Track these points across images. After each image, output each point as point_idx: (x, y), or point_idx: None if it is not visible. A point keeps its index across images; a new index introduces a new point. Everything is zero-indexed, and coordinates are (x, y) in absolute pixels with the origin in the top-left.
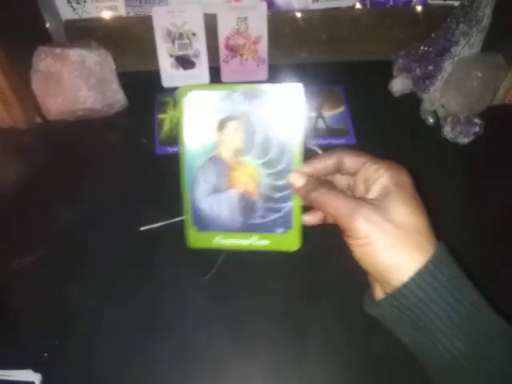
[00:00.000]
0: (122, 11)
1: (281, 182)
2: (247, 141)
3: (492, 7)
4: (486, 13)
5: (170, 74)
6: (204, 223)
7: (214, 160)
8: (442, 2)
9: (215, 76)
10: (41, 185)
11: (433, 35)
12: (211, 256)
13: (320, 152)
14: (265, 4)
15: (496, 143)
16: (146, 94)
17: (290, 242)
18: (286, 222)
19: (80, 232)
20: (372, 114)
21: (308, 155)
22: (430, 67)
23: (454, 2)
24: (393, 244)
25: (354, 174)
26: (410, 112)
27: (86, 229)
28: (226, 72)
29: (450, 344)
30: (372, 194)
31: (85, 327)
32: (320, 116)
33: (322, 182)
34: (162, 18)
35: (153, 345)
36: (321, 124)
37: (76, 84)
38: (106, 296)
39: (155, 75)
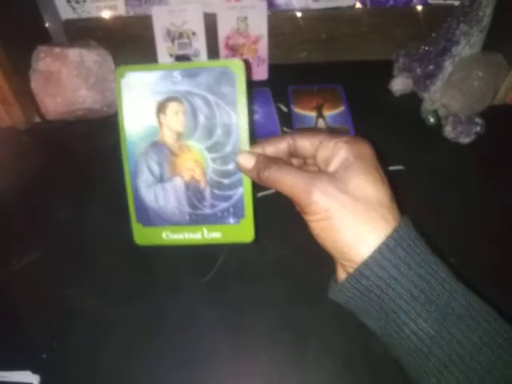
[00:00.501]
0: (121, 11)
1: (229, 167)
2: (189, 123)
3: (492, 7)
4: (486, 12)
5: None
6: (149, 217)
7: (157, 145)
8: (442, 2)
9: None
10: (40, 184)
11: (433, 35)
12: (211, 256)
13: None
14: (265, 3)
15: (497, 143)
16: None
17: (243, 232)
18: (237, 211)
19: (80, 232)
20: (372, 114)
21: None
22: (431, 67)
23: (454, 2)
24: (352, 217)
25: (311, 157)
26: (410, 112)
27: (86, 229)
28: None
29: (416, 326)
30: (331, 168)
31: (84, 328)
32: (320, 115)
33: (273, 159)
34: (161, 17)
35: (153, 345)
36: (321, 123)
37: (75, 83)
38: (106, 296)
39: None
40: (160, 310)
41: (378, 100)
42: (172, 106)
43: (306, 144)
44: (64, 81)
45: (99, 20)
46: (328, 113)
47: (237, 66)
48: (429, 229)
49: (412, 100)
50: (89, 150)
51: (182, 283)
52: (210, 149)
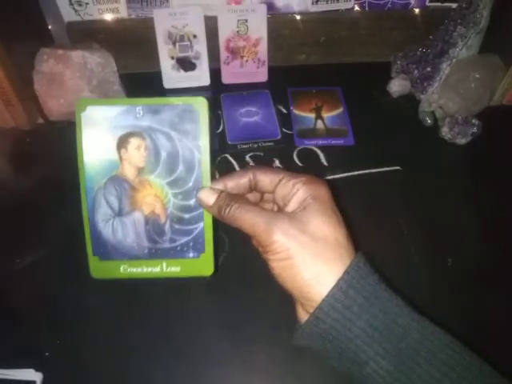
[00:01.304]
0: (123, 13)
1: (190, 202)
2: (151, 159)
3: (490, 9)
4: (483, 14)
5: (171, 76)
6: (106, 251)
7: (116, 179)
8: (439, 5)
9: (216, 78)
10: (42, 185)
11: (431, 37)
12: None
13: (319, 152)
14: (265, 6)
15: (494, 144)
16: (148, 95)
17: (202, 266)
18: (197, 245)
19: (81, 232)
20: (370, 115)
21: (305, 155)
22: (428, 69)
23: (451, 4)
24: (312, 257)
25: (270, 193)
26: (408, 113)
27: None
28: (226, 74)
29: (376, 364)
30: (290, 208)
31: (86, 327)
32: (319, 117)
33: (235, 196)
34: (163, 20)
35: (153, 345)
36: (320, 125)
37: (78, 85)
38: (107, 295)
39: (156, 77)
40: (161, 309)
41: (376, 101)
42: (133, 141)
43: (265, 181)
44: (67, 82)
45: (101, 22)
46: (327, 114)
47: (200, 104)
48: (427, 229)
49: (409, 101)
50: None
51: (182, 283)
52: (172, 184)
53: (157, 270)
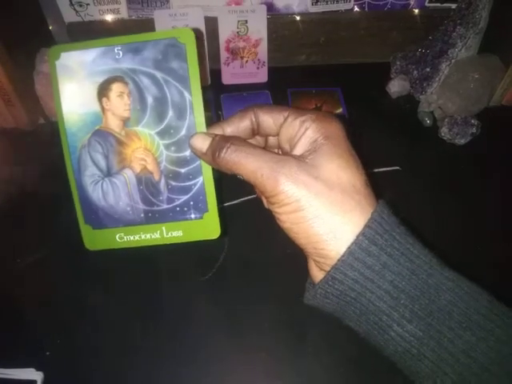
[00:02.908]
0: (124, 14)
1: (185, 153)
2: (136, 106)
3: (489, 9)
4: (482, 15)
5: None
6: (99, 219)
7: (100, 134)
8: (439, 5)
9: (216, 78)
10: (43, 185)
11: (430, 37)
12: (211, 254)
13: None
14: (264, 7)
15: (493, 144)
16: None
17: (207, 228)
18: (198, 204)
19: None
20: (370, 116)
21: None
22: (428, 69)
23: (451, 5)
24: (327, 208)
25: (275, 135)
26: (407, 113)
27: None
28: (226, 74)
29: (401, 328)
30: (298, 151)
31: (87, 326)
32: None
33: (231, 137)
34: (163, 20)
35: (154, 344)
36: None
37: None
38: (108, 295)
39: None
40: (161, 309)
41: (376, 102)
42: (115, 88)
43: (269, 121)
44: None
45: (102, 23)
46: None
47: (186, 36)
48: (425, 229)
49: (409, 102)
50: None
51: (182, 282)
52: (162, 134)
53: (156, 235)
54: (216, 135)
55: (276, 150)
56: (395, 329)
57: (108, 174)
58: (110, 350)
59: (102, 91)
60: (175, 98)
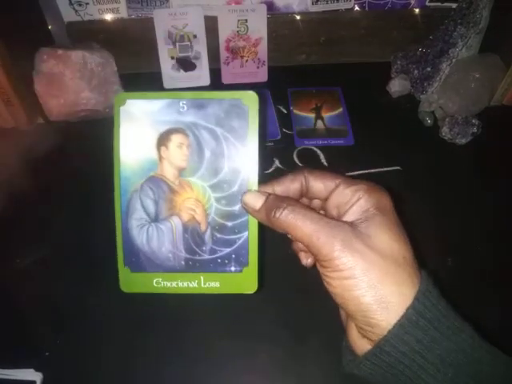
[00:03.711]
0: (123, 13)
1: (234, 208)
2: (193, 158)
3: (489, 9)
4: (483, 14)
5: (171, 76)
6: (139, 262)
7: (154, 181)
8: (439, 5)
9: (216, 78)
10: (42, 185)
11: (431, 37)
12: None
13: (319, 152)
14: (265, 6)
15: (494, 143)
16: None
17: (245, 282)
18: (240, 258)
19: (81, 232)
20: (370, 115)
21: (305, 155)
22: (428, 69)
23: (451, 4)
24: (380, 278)
25: (323, 199)
26: (408, 113)
27: (87, 229)
28: (226, 74)
29: None
30: (349, 218)
31: (86, 326)
32: (319, 117)
33: (286, 198)
34: (163, 20)
35: (154, 344)
36: (320, 124)
37: (78, 85)
38: (108, 294)
39: (156, 77)
40: (161, 308)
41: (376, 101)
42: (175, 138)
43: (319, 186)
44: (67, 82)
45: (101, 22)
46: (327, 114)
47: (250, 99)
48: (427, 229)
49: (409, 101)
50: (91, 151)
51: None
52: (215, 187)
53: (194, 284)
54: (269, 194)
55: (321, 212)
56: None
57: (155, 219)
58: (109, 350)
59: (162, 140)
60: (232, 155)
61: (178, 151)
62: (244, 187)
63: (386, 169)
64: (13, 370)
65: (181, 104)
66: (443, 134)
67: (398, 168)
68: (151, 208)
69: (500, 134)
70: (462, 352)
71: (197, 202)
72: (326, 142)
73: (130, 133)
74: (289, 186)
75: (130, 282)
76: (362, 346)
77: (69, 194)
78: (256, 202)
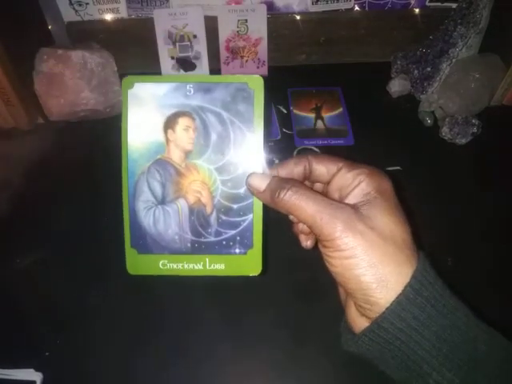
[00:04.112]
0: (123, 13)
1: (240, 190)
2: (200, 141)
3: (489, 9)
4: (483, 14)
5: None
6: (145, 243)
7: (161, 163)
8: (439, 4)
9: None
10: (42, 185)
11: (431, 37)
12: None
13: (318, 152)
14: (265, 6)
15: (494, 144)
16: None
17: (249, 264)
18: (244, 240)
19: (81, 232)
20: (370, 115)
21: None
22: (428, 69)
23: (451, 4)
24: (380, 258)
25: (325, 183)
26: (408, 113)
27: (87, 229)
28: (226, 74)
29: (440, 376)
30: (351, 200)
31: (86, 326)
32: (319, 117)
33: (291, 180)
34: (163, 20)
35: (154, 344)
36: (320, 125)
37: (78, 85)
38: (108, 295)
39: None
40: (161, 308)
41: (376, 101)
42: (182, 121)
43: (322, 170)
44: (67, 82)
45: (101, 22)
46: (327, 114)
47: (256, 83)
48: (427, 229)
49: (409, 101)
50: (91, 151)
51: (182, 280)
52: (221, 170)
53: (199, 266)
54: (274, 176)
55: None
56: (434, 377)
57: (162, 201)
58: (109, 350)
59: (169, 123)
60: (238, 138)
61: (184, 134)
62: (249, 170)
63: (386, 169)
64: (13, 370)
65: (188, 87)
66: (443, 133)
67: (398, 168)
68: (158, 190)
69: (500, 134)
70: (456, 329)
71: (203, 184)
72: (326, 142)
73: (137, 115)
74: (292, 169)
75: (137, 264)
76: (360, 324)
77: (69, 194)
78: (261, 183)
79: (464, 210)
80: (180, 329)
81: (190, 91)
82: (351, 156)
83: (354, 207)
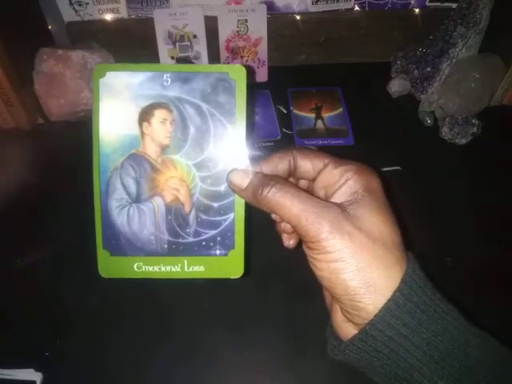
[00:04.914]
0: (123, 13)
1: (220, 188)
2: (177, 135)
3: (489, 9)
4: (483, 14)
5: None
6: (119, 245)
7: (135, 158)
8: (439, 4)
9: None
10: (42, 185)
11: (431, 37)
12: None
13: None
14: (265, 6)
15: (493, 144)
16: None
17: (230, 266)
18: (225, 241)
19: (81, 232)
20: (370, 115)
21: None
22: (428, 69)
23: (451, 4)
24: (369, 261)
25: (311, 180)
26: (408, 113)
27: (86, 229)
28: None
29: None
30: (337, 199)
31: (86, 326)
32: (319, 117)
33: (274, 177)
34: (163, 20)
35: (154, 344)
36: (320, 125)
37: (78, 85)
38: (108, 294)
39: None
40: (161, 307)
41: (376, 101)
42: (158, 114)
43: (307, 166)
44: (67, 82)
45: (101, 22)
46: (327, 114)
47: (237, 73)
48: (426, 229)
49: (409, 101)
50: (91, 151)
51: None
52: (200, 166)
53: (177, 269)
54: (257, 172)
55: None
56: None
57: (137, 199)
58: (109, 350)
59: (144, 115)
60: (218, 132)
61: (161, 127)
62: (230, 166)
63: (386, 169)
64: (13, 369)
65: (164, 77)
66: (443, 134)
67: (398, 168)
68: (132, 187)
69: (500, 134)
70: (448, 335)
71: (181, 181)
72: (326, 142)
73: (109, 107)
74: (276, 164)
75: (109, 266)
76: (346, 330)
77: (69, 194)
78: (242, 180)
79: (464, 210)
80: (182, 328)
81: (167, 81)
82: (351, 156)
83: (341, 206)
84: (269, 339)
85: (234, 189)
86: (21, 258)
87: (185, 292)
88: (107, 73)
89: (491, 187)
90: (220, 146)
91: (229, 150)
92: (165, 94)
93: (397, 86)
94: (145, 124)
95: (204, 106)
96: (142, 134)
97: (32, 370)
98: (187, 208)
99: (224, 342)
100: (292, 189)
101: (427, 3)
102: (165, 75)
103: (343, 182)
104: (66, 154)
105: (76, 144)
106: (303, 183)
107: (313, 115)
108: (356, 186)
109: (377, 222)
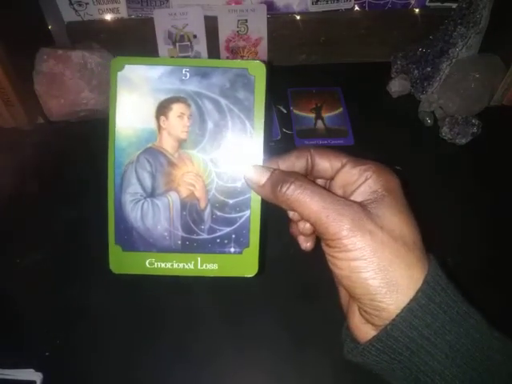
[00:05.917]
0: (123, 13)
1: (236, 184)
2: (195, 129)
3: (489, 9)
4: (483, 14)
5: None
6: (131, 240)
7: (151, 152)
8: (439, 4)
9: None
10: (42, 185)
11: (431, 37)
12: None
13: None
14: (265, 6)
15: (493, 143)
16: None
17: (245, 265)
18: (240, 238)
19: (81, 232)
20: (370, 115)
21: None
22: (428, 69)
23: (451, 4)
24: (391, 260)
25: (328, 179)
26: (408, 113)
27: (86, 229)
28: None
29: None
30: (357, 198)
31: (86, 326)
32: (319, 117)
33: (294, 173)
34: (163, 20)
35: (154, 344)
36: (320, 125)
37: (78, 85)
38: (107, 294)
39: None
40: (161, 307)
41: (376, 101)
42: (176, 108)
43: (325, 165)
44: (67, 82)
45: (101, 22)
46: (327, 114)
47: (257, 68)
48: (426, 229)
49: (409, 101)
50: (91, 151)
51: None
52: (217, 161)
53: (190, 266)
54: (275, 169)
55: None
56: None
57: (151, 194)
58: (109, 350)
59: (162, 109)
60: (236, 128)
61: (178, 122)
62: (248, 162)
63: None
64: (13, 369)
65: (183, 71)
66: (443, 134)
67: (398, 168)
68: (147, 182)
69: (500, 134)
70: (471, 337)
71: (197, 176)
72: (326, 142)
73: (127, 100)
74: (294, 162)
75: (121, 262)
76: (365, 331)
77: (69, 194)
78: (261, 176)
79: (464, 209)
80: (182, 328)
81: (186, 75)
82: (351, 156)
83: (362, 205)
84: (270, 339)
85: (251, 185)
86: (21, 257)
87: (187, 290)
88: (125, 66)
89: (491, 187)
90: (237, 142)
91: (246, 146)
92: (183, 88)
93: (397, 86)
94: (162, 118)
95: (223, 101)
96: (159, 127)
97: (32, 370)
98: (202, 204)
99: (224, 339)
100: (312, 186)
101: (427, 3)
102: (184, 69)
103: (362, 181)
104: (66, 154)
105: (76, 144)
106: (320, 183)
107: (313, 115)
108: (375, 185)
109: (397, 221)
